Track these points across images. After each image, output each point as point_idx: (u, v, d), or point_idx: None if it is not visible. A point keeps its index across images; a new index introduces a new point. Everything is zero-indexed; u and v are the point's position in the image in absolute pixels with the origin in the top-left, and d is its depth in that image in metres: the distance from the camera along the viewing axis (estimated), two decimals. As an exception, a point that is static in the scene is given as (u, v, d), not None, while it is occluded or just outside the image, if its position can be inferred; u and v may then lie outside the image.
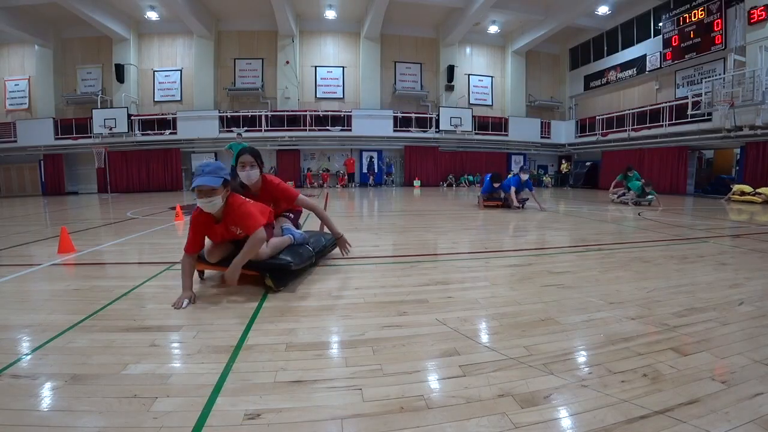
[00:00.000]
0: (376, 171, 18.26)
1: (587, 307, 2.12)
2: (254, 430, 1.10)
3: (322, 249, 3.07)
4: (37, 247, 4.10)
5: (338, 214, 6.99)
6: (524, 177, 7.74)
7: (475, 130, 18.48)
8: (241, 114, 17.12)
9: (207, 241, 2.42)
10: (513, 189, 7.60)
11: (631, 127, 15.48)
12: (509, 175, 8.57)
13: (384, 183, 18.50)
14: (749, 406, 1.18)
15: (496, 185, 7.90)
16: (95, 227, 5.62)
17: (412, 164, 18.30)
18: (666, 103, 14.27)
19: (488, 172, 9.10)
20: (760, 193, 9.62)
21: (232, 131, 16.61)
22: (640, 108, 15.40)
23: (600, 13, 16.35)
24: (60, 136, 16.62)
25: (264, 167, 2.80)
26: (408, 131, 18.03)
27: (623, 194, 9.14)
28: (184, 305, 2.10)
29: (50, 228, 5.63)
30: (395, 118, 17.83)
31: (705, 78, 12.80)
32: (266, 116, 17.02)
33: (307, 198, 2.95)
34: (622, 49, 16.81)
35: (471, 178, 18.71)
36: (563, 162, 19.64)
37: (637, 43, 16.02)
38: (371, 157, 18.28)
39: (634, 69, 16.21)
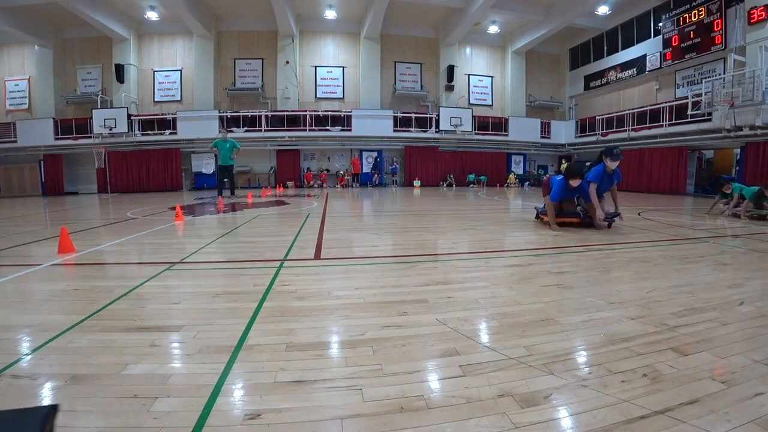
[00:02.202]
0: (381, 171, 18.28)
1: (587, 307, 2.12)
2: (254, 430, 1.10)
3: None
4: (37, 247, 4.10)
5: (338, 215, 6.99)
6: (613, 165, 4.80)
7: (475, 130, 18.49)
8: (241, 114, 17.13)
9: None
10: (594, 186, 4.77)
11: (631, 127, 15.48)
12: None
13: (384, 183, 18.50)
14: (749, 406, 1.18)
15: (573, 183, 4.77)
16: (95, 227, 5.61)
17: (412, 164, 18.31)
18: (666, 103, 14.27)
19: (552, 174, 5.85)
20: None
21: (231, 131, 16.62)
22: (640, 108, 15.41)
23: (600, 13, 16.36)
24: (60, 137, 16.62)
25: None
26: (408, 131, 18.04)
27: (736, 205, 6.66)
28: None
29: (50, 228, 5.62)
30: (395, 118, 17.84)
31: (705, 78, 12.81)
32: (266, 116, 17.03)
33: None
34: (622, 49, 16.81)
35: (472, 177, 18.68)
36: (564, 162, 19.57)
37: (637, 43, 16.03)
38: (376, 158, 18.28)
39: (634, 69, 16.22)
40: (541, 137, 19.46)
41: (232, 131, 16.61)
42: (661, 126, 14.15)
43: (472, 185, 18.30)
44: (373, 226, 5.81)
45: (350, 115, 17.49)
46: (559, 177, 5.02)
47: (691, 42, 13.43)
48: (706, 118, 12.37)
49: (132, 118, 16.67)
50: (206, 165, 17.19)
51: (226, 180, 10.36)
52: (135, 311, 2.08)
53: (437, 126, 18.06)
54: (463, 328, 1.81)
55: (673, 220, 6.21)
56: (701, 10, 12.92)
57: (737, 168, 12.57)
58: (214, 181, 16.95)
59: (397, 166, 18.63)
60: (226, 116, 16.99)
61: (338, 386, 1.33)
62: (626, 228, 5.15)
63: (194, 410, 1.18)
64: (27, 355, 1.58)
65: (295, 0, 16.57)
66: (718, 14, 12.36)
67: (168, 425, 1.11)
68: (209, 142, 16.61)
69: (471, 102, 19.63)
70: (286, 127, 17.15)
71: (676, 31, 13.91)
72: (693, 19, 13.26)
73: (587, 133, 18.03)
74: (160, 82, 18.05)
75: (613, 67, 17.34)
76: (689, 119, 12.85)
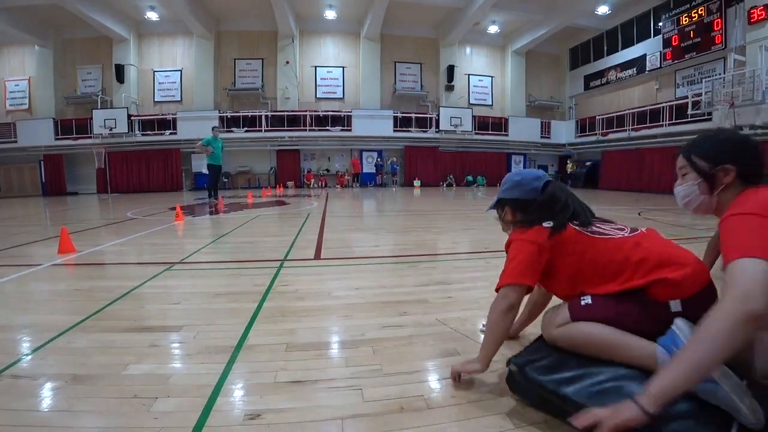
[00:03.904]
0: (387, 171, 18.27)
1: (587, 306, 2.11)
2: (254, 430, 1.10)
3: None
4: (38, 247, 4.10)
5: (338, 215, 6.99)
6: None
7: (475, 130, 18.50)
8: (241, 114, 17.14)
9: None
10: None
11: (631, 127, 15.49)
12: None
13: (384, 183, 18.50)
14: (750, 406, 1.18)
15: None
16: (95, 227, 5.62)
17: (412, 164, 18.31)
18: (666, 102, 14.27)
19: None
20: None
21: (232, 131, 16.63)
22: (640, 108, 15.42)
23: (600, 13, 16.36)
24: (60, 137, 16.64)
25: None
26: (408, 131, 18.05)
27: None
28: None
29: (50, 228, 5.63)
30: (395, 118, 17.85)
31: (705, 78, 12.80)
32: (266, 116, 17.04)
33: None
34: (622, 48, 16.82)
35: (471, 178, 18.69)
36: (568, 162, 19.47)
37: (637, 42, 16.03)
38: (379, 158, 18.28)
39: (634, 69, 16.22)
40: (541, 137, 19.46)
41: (231, 131, 16.61)
42: (661, 126, 14.15)
43: (477, 186, 18.25)
44: (373, 226, 5.81)
45: (350, 115, 17.50)
46: None
47: (691, 42, 13.43)
48: (706, 117, 12.37)
49: (132, 118, 16.68)
50: (206, 165, 17.18)
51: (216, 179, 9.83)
52: (135, 311, 2.08)
53: (437, 126, 18.06)
54: (463, 328, 1.81)
55: (673, 219, 6.21)
56: (701, 10, 12.93)
57: (737, 168, 12.58)
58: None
59: (397, 166, 18.61)
60: (226, 116, 17.00)
61: (338, 386, 1.33)
62: (626, 228, 5.14)
63: (194, 410, 1.18)
64: (27, 355, 1.58)
65: (295, 0, 16.57)
66: (718, 14, 12.36)
67: (168, 425, 1.11)
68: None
69: (471, 102, 19.63)
70: (286, 127, 17.16)
71: (676, 31, 13.91)
72: (693, 19, 13.27)
73: (587, 133, 18.04)
74: (160, 83, 18.05)
75: (613, 67, 17.34)
76: (689, 119, 12.85)
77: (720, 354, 0.82)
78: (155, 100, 18.03)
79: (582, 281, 1.25)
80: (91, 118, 16.51)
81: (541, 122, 19.48)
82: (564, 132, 19.56)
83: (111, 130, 16.27)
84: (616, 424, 0.85)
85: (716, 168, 1.11)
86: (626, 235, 1.27)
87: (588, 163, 18.07)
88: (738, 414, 0.89)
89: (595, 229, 1.29)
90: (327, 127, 17.38)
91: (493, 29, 18.73)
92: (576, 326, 1.19)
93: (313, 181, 17.74)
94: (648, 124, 14.82)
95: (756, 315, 0.80)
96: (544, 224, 1.29)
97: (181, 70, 17.99)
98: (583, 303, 1.21)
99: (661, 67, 14.86)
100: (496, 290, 1.27)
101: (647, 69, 15.53)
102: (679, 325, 1.04)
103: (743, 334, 0.81)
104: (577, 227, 1.28)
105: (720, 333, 0.82)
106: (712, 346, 0.82)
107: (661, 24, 14.62)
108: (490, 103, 20.24)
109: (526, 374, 1.15)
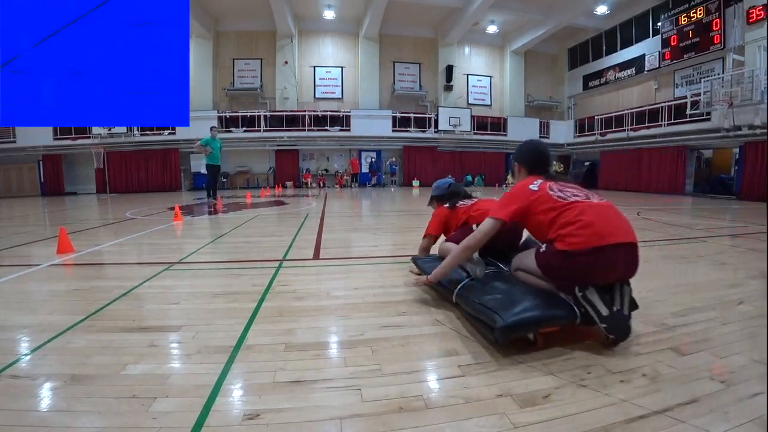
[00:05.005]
0: (388, 170, 18.25)
1: (586, 306, 2.11)
2: (253, 430, 1.10)
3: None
4: (37, 247, 4.09)
5: (338, 215, 6.99)
6: None
7: (473, 130, 18.48)
8: (239, 114, 17.09)
9: None
10: None
11: (629, 127, 15.48)
12: None
13: (383, 184, 18.48)
14: (749, 406, 1.18)
15: None
16: (94, 227, 5.61)
17: (411, 164, 18.29)
18: (665, 102, 14.27)
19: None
20: None
21: (230, 131, 16.61)
22: (638, 108, 15.41)
23: (599, 13, 16.36)
24: (59, 137, 16.57)
25: None
26: (407, 131, 18.03)
27: None
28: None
29: (49, 228, 5.62)
30: (394, 118, 17.82)
31: (704, 77, 12.80)
32: (265, 116, 17.01)
33: None
34: (621, 48, 16.81)
35: (470, 178, 18.68)
36: (555, 163, 19.43)
37: (636, 42, 16.02)
38: (372, 158, 18.26)
39: (633, 69, 16.22)
40: (540, 137, 19.40)
41: (230, 131, 16.59)
42: (660, 126, 14.15)
43: (473, 185, 18.24)
44: (371, 226, 5.81)
45: (349, 115, 17.48)
46: None
47: (689, 41, 13.44)
48: (704, 117, 12.37)
49: (131, 118, 16.61)
50: (204, 165, 17.15)
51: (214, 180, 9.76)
52: (134, 311, 2.08)
53: (436, 126, 18.05)
54: (462, 328, 1.82)
55: (671, 219, 6.22)
56: (700, 10, 12.93)
57: (736, 167, 12.58)
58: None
59: (396, 166, 18.58)
60: (225, 116, 16.96)
61: (337, 386, 1.33)
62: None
63: (193, 410, 1.18)
64: (26, 355, 1.57)
65: (293, 0, 16.55)
66: (717, 14, 12.37)
67: (167, 425, 1.11)
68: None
69: (470, 102, 19.62)
70: (284, 128, 17.12)
71: (675, 31, 13.92)
72: (692, 19, 13.27)
73: (586, 133, 18.04)
74: (159, 82, 17.99)
75: (612, 67, 17.33)
76: (688, 119, 12.85)
77: (455, 263, 1.91)
78: (154, 100, 17.97)
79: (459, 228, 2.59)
80: (90, 118, 16.45)
81: (540, 122, 19.47)
82: (563, 132, 19.56)
83: (110, 130, 16.21)
84: (421, 283, 2.27)
85: (515, 163, 2.07)
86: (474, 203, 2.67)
87: (587, 163, 18.07)
88: (473, 273, 1.98)
89: (461, 203, 2.71)
90: (326, 127, 17.36)
91: (491, 29, 18.72)
92: (443, 244, 2.49)
93: (311, 180, 17.71)
94: (647, 124, 14.81)
95: (468, 246, 1.83)
96: (445, 205, 2.78)
97: (180, 70, 17.93)
98: (452, 234, 2.63)
99: (659, 67, 14.86)
100: (423, 237, 2.83)
101: (646, 69, 15.52)
102: None
103: (465, 255, 1.88)
104: (459, 205, 2.71)
105: (456, 252, 1.88)
106: (451, 260, 1.91)
107: (659, 24, 14.62)
108: (489, 103, 20.24)
109: (416, 262, 2.69)
